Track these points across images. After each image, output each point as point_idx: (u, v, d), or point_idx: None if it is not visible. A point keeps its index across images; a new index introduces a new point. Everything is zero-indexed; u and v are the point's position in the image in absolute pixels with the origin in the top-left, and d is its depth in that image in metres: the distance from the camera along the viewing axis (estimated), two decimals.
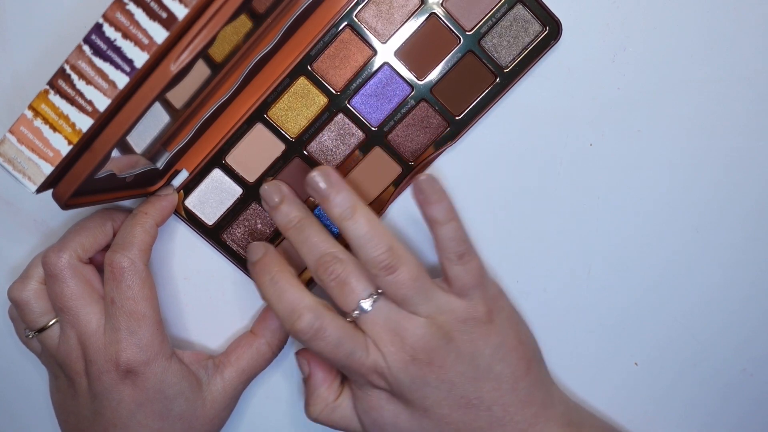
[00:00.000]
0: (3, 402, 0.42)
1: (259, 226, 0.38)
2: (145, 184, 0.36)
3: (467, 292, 0.34)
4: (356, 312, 0.33)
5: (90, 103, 0.27)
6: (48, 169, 0.28)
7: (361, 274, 0.34)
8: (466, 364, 0.34)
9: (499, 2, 0.35)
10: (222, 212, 0.38)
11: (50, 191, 0.29)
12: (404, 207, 0.38)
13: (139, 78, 0.27)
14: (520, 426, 0.34)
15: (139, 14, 0.26)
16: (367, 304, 0.33)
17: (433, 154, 0.37)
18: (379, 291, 0.33)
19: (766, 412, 0.40)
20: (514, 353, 0.35)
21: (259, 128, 0.37)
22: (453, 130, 0.37)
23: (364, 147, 0.37)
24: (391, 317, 0.33)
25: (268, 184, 0.35)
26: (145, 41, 0.26)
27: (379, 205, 0.38)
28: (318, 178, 0.33)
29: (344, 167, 0.38)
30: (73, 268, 0.34)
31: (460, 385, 0.34)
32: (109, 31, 0.26)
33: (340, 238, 0.36)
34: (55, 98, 0.27)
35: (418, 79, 0.36)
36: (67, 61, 0.27)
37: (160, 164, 0.35)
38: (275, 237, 0.38)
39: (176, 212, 0.38)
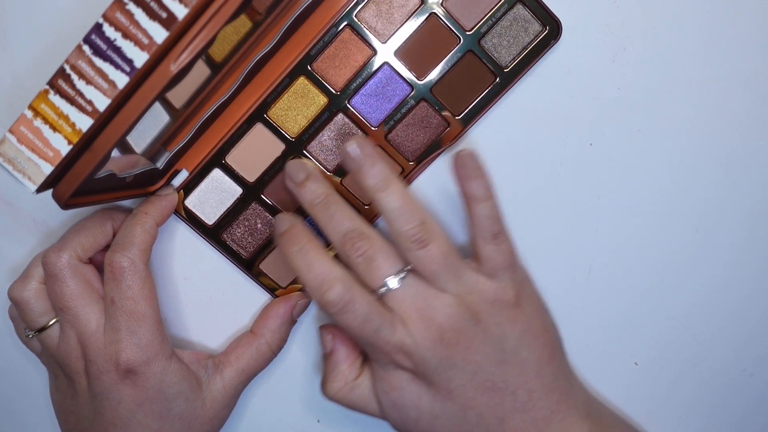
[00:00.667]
0: (3, 401, 0.42)
1: (259, 225, 0.38)
2: (145, 184, 0.36)
3: (497, 273, 0.34)
4: (383, 289, 0.33)
5: (90, 103, 0.27)
6: (48, 169, 0.28)
7: (389, 250, 0.33)
8: (492, 347, 0.34)
9: (499, 2, 0.35)
10: (222, 212, 0.38)
11: (50, 191, 0.29)
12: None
13: (139, 78, 0.27)
14: (543, 412, 0.34)
15: (139, 14, 0.26)
16: (394, 282, 0.33)
17: (433, 154, 0.37)
18: (408, 268, 0.33)
19: (766, 412, 0.40)
20: (540, 339, 0.35)
21: (259, 128, 0.37)
22: (453, 130, 0.37)
23: None
24: (419, 295, 0.33)
25: (293, 161, 0.35)
26: (145, 41, 0.26)
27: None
28: (355, 147, 0.33)
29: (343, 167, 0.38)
30: (73, 268, 0.34)
31: (486, 367, 0.34)
32: (109, 31, 0.26)
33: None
34: (55, 98, 0.27)
35: (418, 79, 0.36)
36: (67, 61, 0.27)
37: (160, 164, 0.35)
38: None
39: (176, 212, 0.38)
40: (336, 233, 0.33)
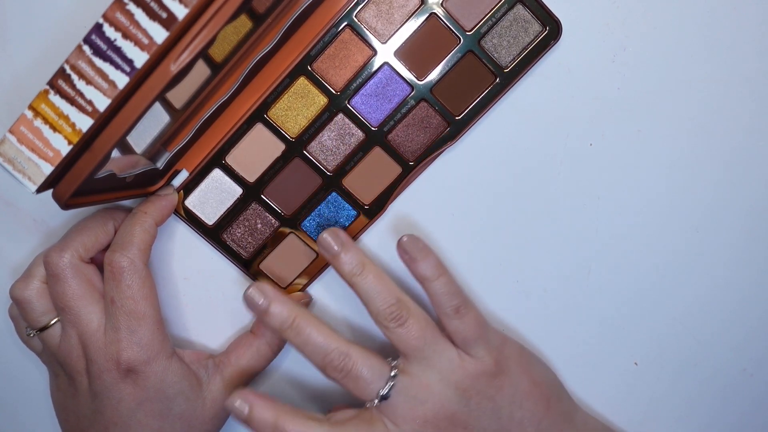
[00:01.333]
0: (3, 401, 0.43)
1: (259, 226, 0.38)
2: (145, 184, 0.36)
3: (470, 345, 0.35)
4: (376, 401, 0.34)
5: (90, 103, 0.27)
6: (48, 169, 0.28)
7: (371, 361, 0.34)
8: (488, 419, 0.34)
9: (499, 2, 0.35)
10: (222, 212, 0.38)
11: (50, 191, 0.29)
12: (403, 211, 0.38)
13: (139, 78, 0.27)
14: None
15: (139, 14, 0.26)
16: (385, 391, 0.34)
17: (433, 154, 0.37)
18: (392, 375, 0.34)
19: (766, 412, 0.40)
20: (531, 397, 0.35)
21: (259, 128, 0.37)
22: (453, 130, 0.37)
23: (364, 147, 0.37)
24: (409, 396, 0.34)
25: (254, 286, 0.34)
26: (145, 41, 0.26)
27: (378, 205, 0.38)
28: (329, 238, 0.35)
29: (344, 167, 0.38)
30: (74, 268, 0.34)
31: None
32: (109, 31, 0.26)
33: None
34: (55, 98, 0.27)
35: (418, 79, 0.36)
36: (67, 61, 0.27)
37: (160, 164, 0.35)
38: (275, 238, 0.38)
39: (176, 212, 0.38)
40: (315, 356, 0.34)
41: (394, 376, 0.34)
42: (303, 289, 0.39)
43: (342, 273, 0.35)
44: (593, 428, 0.38)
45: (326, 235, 0.35)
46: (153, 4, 0.26)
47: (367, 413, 0.34)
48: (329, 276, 0.39)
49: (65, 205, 0.29)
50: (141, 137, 0.34)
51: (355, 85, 0.37)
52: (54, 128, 0.27)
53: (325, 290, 0.40)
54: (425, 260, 0.35)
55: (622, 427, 0.40)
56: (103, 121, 0.27)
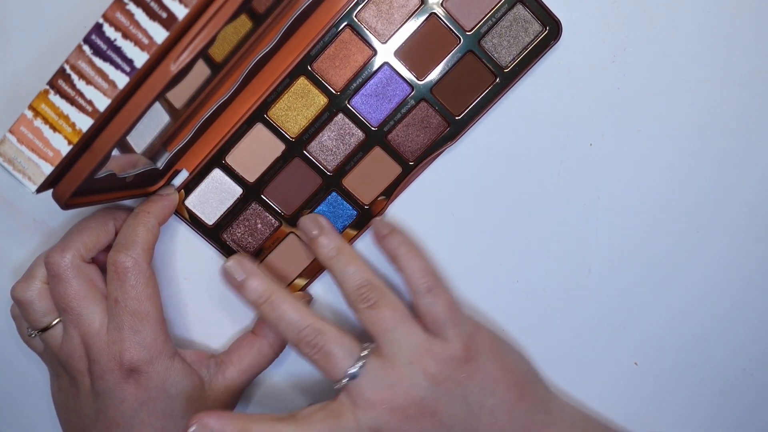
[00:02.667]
0: (4, 401, 0.43)
1: (259, 226, 0.38)
2: (145, 184, 0.36)
3: (440, 328, 0.35)
4: (345, 380, 0.33)
5: (90, 103, 0.27)
6: (48, 169, 0.28)
7: (344, 341, 0.34)
8: (458, 406, 0.34)
9: (499, 2, 0.35)
10: (222, 212, 0.38)
11: (50, 191, 0.29)
12: (402, 210, 0.38)
13: (139, 78, 0.27)
14: None
15: (139, 14, 0.26)
16: (354, 371, 0.33)
17: (433, 154, 0.37)
18: (363, 354, 0.34)
19: (766, 412, 0.40)
20: (502, 384, 0.35)
21: (259, 128, 0.37)
22: (453, 130, 0.37)
23: (364, 147, 0.37)
24: (377, 378, 0.33)
25: (233, 259, 0.35)
26: (145, 41, 0.26)
27: (378, 207, 0.38)
28: (308, 222, 0.37)
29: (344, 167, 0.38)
30: (76, 268, 0.34)
31: (456, 427, 0.34)
32: (109, 31, 0.26)
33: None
34: (55, 98, 0.27)
35: (418, 79, 0.36)
36: (67, 61, 0.27)
37: (160, 164, 0.35)
38: (275, 238, 0.38)
39: (177, 212, 0.38)
40: (289, 332, 0.34)
41: (365, 356, 0.34)
42: (303, 288, 0.39)
43: (319, 256, 0.36)
44: (570, 416, 0.37)
45: (306, 220, 0.37)
46: (153, 4, 0.26)
47: (334, 404, 0.34)
48: (329, 276, 0.39)
49: (65, 205, 0.29)
50: (141, 137, 0.34)
51: (355, 85, 0.37)
52: (54, 128, 0.27)
53: (325, 290, 0.40)
54: (394, 236, 0.36)
55: (622, 427, 0.40)
56: (103, 121, 0.27)
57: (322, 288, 0.40)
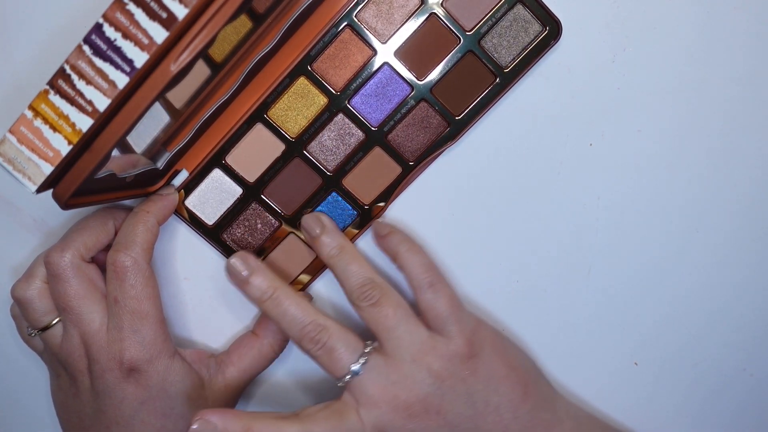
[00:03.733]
0: (4, 401, 0.43)
1: (259, 226, 0.38)
2: (145, 184, 0.36)
3: (443, 324, 0.34)
4: (348, 377, 0.33)
5: (90, 103, 0.27)
6: (48, 169, 0.28)
7: (347, 337, 0.34)
8: (462, 404, 0.34)
9: (499, 2, 0.35)
10: (222, 212, 0.38)
11: (50, 191, 0.29)
12: (402, 210, 0.38)
13: (139, 78, 0.27)
14: None
15: (139, 14, 0.26)
16: (357, 367, 0.33)
17: (433, 154, 0.37)
18: (366, 351, 0.34)
19: (766, 412, 0.40)
20: (507, 381, 0.35)
21: (259, 128, 0.37)
22: (453, 130, 0.37)
23: (364, 147, 0.37)
24: (381, 375, 0.33)
25: (237, 255, 0.35)
26: (145, 41, 0.26)
27: (377, 210, 0.38)
28: (310, 221, 0.37)
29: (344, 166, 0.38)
30: (76, 268, 0.34)
31: (461, 425, 0.34)
32: (109, 31, 0.26)
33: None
34: (55, 98, 0.27)
35: (418, 79, 0.36)
36: (67, 61, 0.27)
37: (160, 164, 0.35)
38: (275, 238, 0.38)
39: (176, 212, 0.38)
40: (292, 328, 0.34)
41: (368, 352, 0.34)
42: (303, 289, 0.39)
43: (321, 255, 0.36)
44: (575, 415, 0.37)
45: (308, 218, 0.37)
46: (153, 4, 0.26)
47: (338, 403, 0.34)
48: (329, 275, 0.39)
49: (65, 205, 0.29)
50: (141, 137, 0.34)
51: (355, 85, 0.37)
52: (54, 128, 0.27)
53: (325, 290, 0.40)
54: (393, 234, 0.36)
55: (625, 427, 0.40)
56: (103, 121, 0.27)
57: (322, 288, 0.40)
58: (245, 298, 0.35)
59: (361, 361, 0.33)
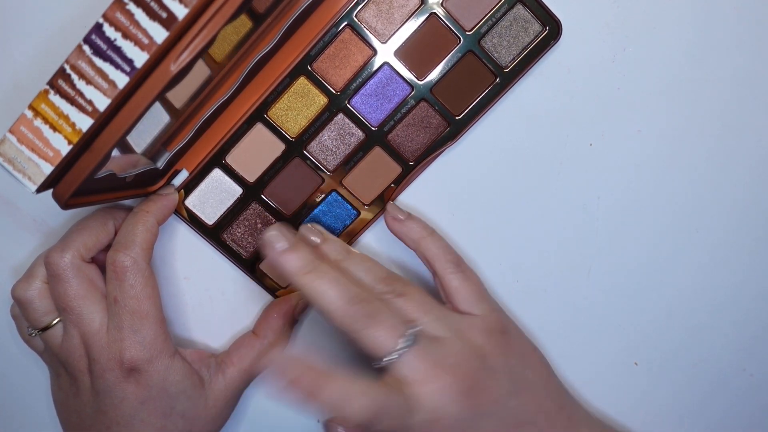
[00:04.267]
0: (4, 400, 0.43)
1: (259, 225, 0.38)
2: (145, 184, 0.36)
3: (473, 303, 0.34)
4: (394, 356, 0.31)
5: (90, 102, 0.27)
6: (48, 169, 0.28)
7: (390, 314, 0.32)
8: (504, 380, 0.34)
9: (499, 2, 0.35)
10: (222, 212, 0.38)
11: (50, 191, 0.29)
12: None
13: (139, 78, 0.27)
14: None
15: (139, 14, 0.26)
16: (403, 345, 0.31)
17: (433, 154, 0.37)
18: (410, 331, 0.32)
19: (766, 412, 0.40)
20: (535, 357, 0.36)
21: (259, 128, 0.37)
22: (453, 130, 0.37)
23: (364, 147, 0.37)
24: (427, 352, 0.32)
25: (275, 227, 0.33)
26: (145, 41, 0.26)
27: (379, 206, 0.38)
28: (306, 233, 0.35)
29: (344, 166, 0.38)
30: (76, 268, 0.34)
31: (507, 403, 0.33)
32: (109, 31, 0.26)
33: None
34: (55, 98, 0.27)
35: (418, 79, 0.36)
36: (67, 61, 0.27)
37: (160, 164, 0.35)
38: None
39: (176, 212, 0.38)
40: (333, 305, 0.32)
41: (414, 332, 0.32)
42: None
43: (327, 262, 0.34)
44: (585, 416, 0.38)
45: (303, 230, 0.35)
46: (153, 4, 0.26)
47: (387, 381, 0.31)
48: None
49: (65, 205, 0.29)
50: (141, 137, 0.34)
51: (355, 84, 0.37)
52: (54, 128, 0.27)
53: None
54: (410, 221, 0.36)
55: (622, 427, 0.40)
56: (103, 121, 0.27)
57: None
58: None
59: (407, 340, 0.32)
